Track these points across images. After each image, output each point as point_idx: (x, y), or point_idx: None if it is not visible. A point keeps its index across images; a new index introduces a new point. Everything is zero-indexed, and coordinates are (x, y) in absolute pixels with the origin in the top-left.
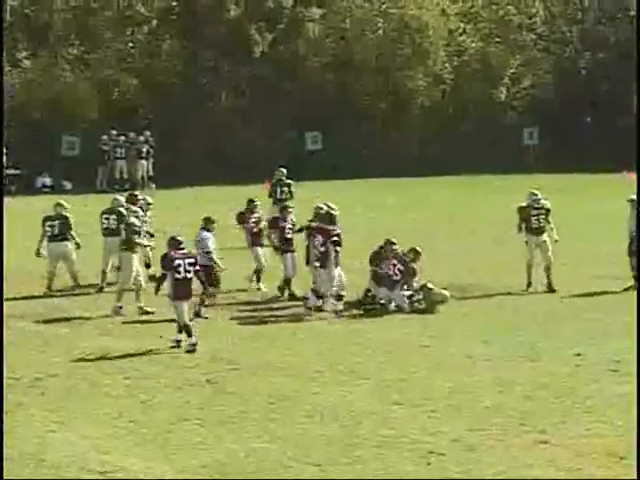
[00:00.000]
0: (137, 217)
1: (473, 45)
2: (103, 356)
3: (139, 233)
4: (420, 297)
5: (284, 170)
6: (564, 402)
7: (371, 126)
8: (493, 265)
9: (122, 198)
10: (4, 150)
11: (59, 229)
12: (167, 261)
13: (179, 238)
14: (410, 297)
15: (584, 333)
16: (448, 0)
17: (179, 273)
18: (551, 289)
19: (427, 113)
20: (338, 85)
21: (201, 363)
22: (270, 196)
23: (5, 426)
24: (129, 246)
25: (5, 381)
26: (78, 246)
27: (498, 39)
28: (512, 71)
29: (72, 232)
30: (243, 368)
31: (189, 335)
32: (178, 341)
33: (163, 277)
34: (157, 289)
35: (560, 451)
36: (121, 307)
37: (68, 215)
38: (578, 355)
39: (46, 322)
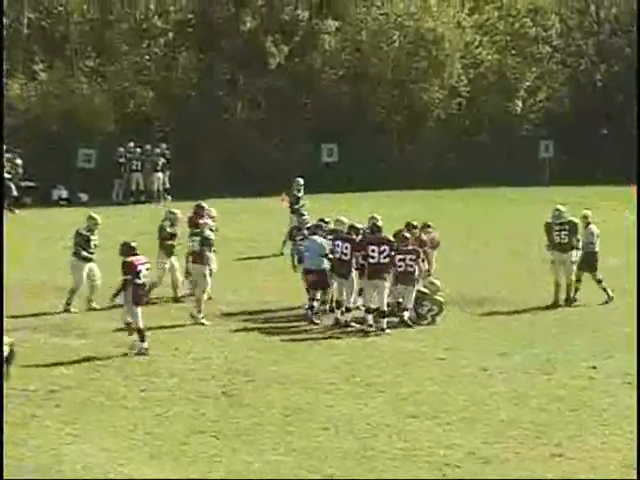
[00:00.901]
0: (212, 230)
1: (489, 57)
2: (118, 368)
3: (211, 246)
4: (428, 306)
5: (299, 180)
6: (579, 415)
7: (387, 138)
8: (508, 277)
9: (177, 210)
10: (19, 162)
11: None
12: (131, 267)
13: (133, 244)
14: (420, 312)
15: (598, 346)
16: (464, 12)
17: (139, 279)
18: (569, 302)
19: (443, 125)
20: (354, 97)
21: (216, 375)
22: (290, 206)
23: (21, 438)
24: (201, 259)
25: (20, 393)
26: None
27: (514, 51)
28: (528, 83)
29: (75, 247)
30: (259, 380)
31: (142, 340)
32: (143, 348)
33: (126, 283)
34: (116, 295)
35: (576, 464)
36: (202, 318)
37: (78, 229)
38: (593, 368)
39: (61, 334)
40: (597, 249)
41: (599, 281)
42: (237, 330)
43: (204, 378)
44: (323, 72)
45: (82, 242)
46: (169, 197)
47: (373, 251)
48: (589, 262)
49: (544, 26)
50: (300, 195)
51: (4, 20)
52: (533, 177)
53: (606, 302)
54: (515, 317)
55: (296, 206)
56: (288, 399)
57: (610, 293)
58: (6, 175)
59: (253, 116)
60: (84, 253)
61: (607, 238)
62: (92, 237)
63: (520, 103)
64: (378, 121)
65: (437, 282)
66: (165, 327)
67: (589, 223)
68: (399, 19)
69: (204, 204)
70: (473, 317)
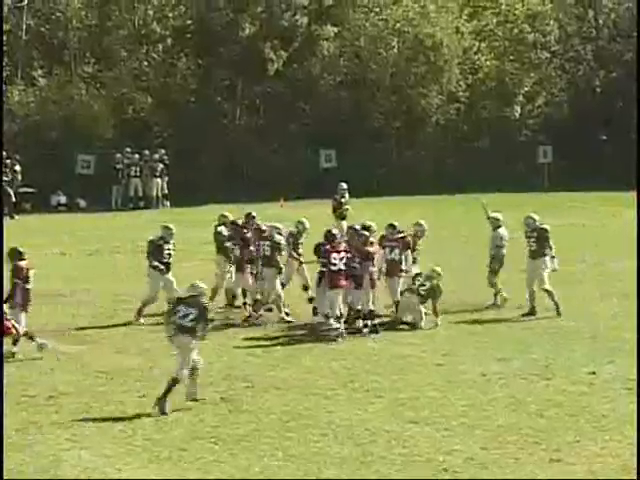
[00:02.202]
0: (280, 234)
1: (487, 63)
2: (117, 374)
3: (281, 250)
4: (420, 280)
5: (342, 184)
6: (579, 420)
7: (385, 144)
8: (506, 283)
9: (228, 213)
10: (18, 168)
11: None
12: (22, 271)
13: (21, 249)
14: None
15: (598, 351)
16: (462, 18)
17: (28, 283)
18: (557, 312)
19: (441, 131)
20: (352, 103)
21: (215, 381)
22: (334, 211)
23: (19, 443)
24: (270, 263)
25: (19, 399)
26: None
27: (512, 57)
28: (526, 89)
29: (149, 257)
30: (257, 386)
31: (15, 343)
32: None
33: (17, 287)
34: (9, 299)
35: (574, 469)
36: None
37: (151, 239)
38: (592, 373)
39: (59, 340)
40: (504, 252)
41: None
42: (236, 336)
43: (203, 384)
44: (322, 78)
45: (155, 252)
46: (167, 203)
47: (334, 258)
48: (491, 264)
49: (543, 32)
50: (344, 200)
51: (3, 26)
52: (532, 182)
53: (494, 304)
54: (513, 322)
55: (339, 210)
56: (287, 405)
57: (499, 301)
58: (4, 179)
59: (252, 122)
60: (157, 263)
61: (606, 242)
62: (166, 246)
63: (519, 108)
64: (377, 127)
65: (438, 269)
66: (164, 333)
67: (499, 226)
68: (398, 25)
69: (254, 213)
70: (471, 322)
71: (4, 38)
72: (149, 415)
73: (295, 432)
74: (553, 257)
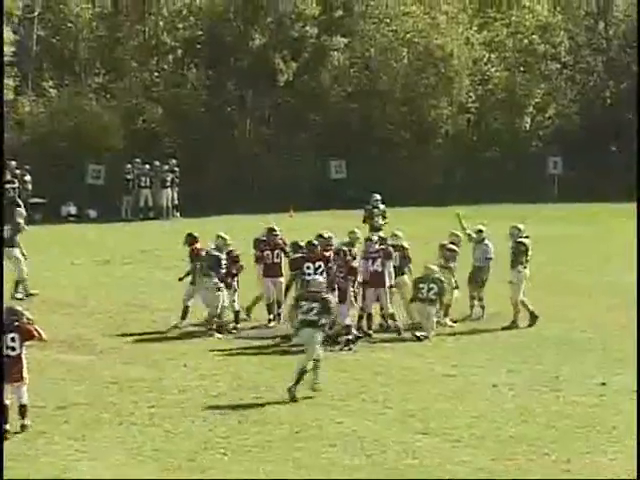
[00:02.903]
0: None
1: (497, 74)
2: (127, 385)
3: None
4: (425, 287)
5: (375, 195)
6: (589, 432)
7: (395, 155)
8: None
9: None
10: (28, 178)
11: None
12: None
13: None
14: (420, 296)
15: (607, 362)
16: (473, 29)
17: None
18: (511, 325)
19: (451, 142)
20: (362, 114)
21: (225, 392)
22: (364, 221)
23: (29, 454)
24: None
25: (29, 409)
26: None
27: (523, 68)
28: (537, 100)
29: (207, 269)
30: (267, 396)
31: None
32: None
33: None
34: None
35: None
36: None
37: (207, 250)
38: (602, 384)
39: (69, 351)
40: (484, 265)
41: (480, 298)
42: (246, 346)
43: (212, 395)
44: (332, 89)
45: (213, 263)
46: (178, 213)
47: (308, 268)
48: (477, 277)
49: (553, 43)
50: (376, 211)
51: (13, 37)
52: (541, 193)
53: (472, 316)
54: (522, 334)
55: (371, 222)
56: (296, 416)
57: (484, 314)
58: (8, 185)
59: (262, 132)
60: (217, 273)
61: (615, 254)
62: (222, 257)
63: (529, 120)
64: (387, 137)
65: (433, 267)
66: (174, 344)
67: (484, 238)
68: (408, 36)
69: (275, 226)
70: (480, 333)
71: (14, 49)
72: (159, 426)
73: (305, 443)
74: (519, 272)
